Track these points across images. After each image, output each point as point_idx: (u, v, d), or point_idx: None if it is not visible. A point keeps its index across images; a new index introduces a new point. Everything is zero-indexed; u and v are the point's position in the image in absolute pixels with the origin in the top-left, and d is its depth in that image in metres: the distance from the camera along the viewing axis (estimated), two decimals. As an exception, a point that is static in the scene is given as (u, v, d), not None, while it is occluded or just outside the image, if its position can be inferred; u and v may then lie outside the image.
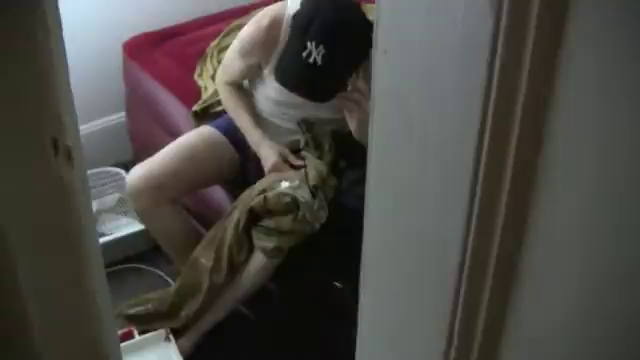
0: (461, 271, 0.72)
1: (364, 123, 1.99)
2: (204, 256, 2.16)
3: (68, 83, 0.65)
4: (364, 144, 2.05)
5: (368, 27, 1.87)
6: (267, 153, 2.15)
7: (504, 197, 0.65)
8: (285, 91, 2.03)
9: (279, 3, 2.14)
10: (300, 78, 1.94)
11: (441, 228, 0.75)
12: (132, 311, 2.29)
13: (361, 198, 2.00)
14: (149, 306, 2.28)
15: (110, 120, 3.19)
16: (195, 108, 2.55)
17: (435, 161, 0.73)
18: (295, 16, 1.97)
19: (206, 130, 2.34)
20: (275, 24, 2.07)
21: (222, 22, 3.00)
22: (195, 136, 2.32)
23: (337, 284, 2.01)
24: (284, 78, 1.98)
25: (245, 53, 2.16)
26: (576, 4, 0.56)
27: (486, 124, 0.63)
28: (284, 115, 2.21)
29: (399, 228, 0.85)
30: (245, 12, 2.92)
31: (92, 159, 3.08)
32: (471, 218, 0.68)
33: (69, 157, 0.64)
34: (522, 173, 0.64)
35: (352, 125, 2.03)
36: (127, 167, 3.05)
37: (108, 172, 3.08)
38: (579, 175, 0.62)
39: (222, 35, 2.90)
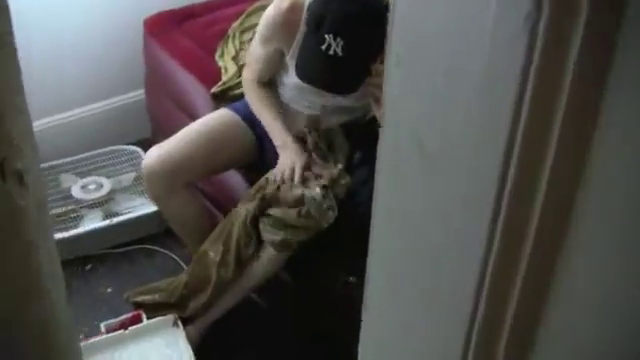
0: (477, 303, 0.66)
1: None
2: (212, 249, 2.13)
3: (23, 100, 0.58)
4: None
5: (385, 10, 1.84)
6: (293, 158, 2.08)
7: (530, 236, 0.59)
8: None
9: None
10: (322, 72, 1.88)
11: (456, 262, 0.69)
12: (139, 299, 2.25)
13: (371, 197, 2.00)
14: (156, 296, 2.24)
15: (130, 97, 3.16)
16: (214, 90, 2.50)
17: (453, 189, 0.67)
18: (308, 8, 1.91)
19: (225, 113, 2.29)
20: (295, 7, 2.00)
21: (245, 3, 2.94)
22: (213, 119, 2.27)
23: (351, 279, 1.96)
24: (306, 73, 1.91)
25: (265, 40, 2.09)
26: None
27: (513, 151, 0.57)
28: (306, 102, 2.15)
29: (405, 253, 0.79)
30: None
31: (110, 136, 3.07)
32: (488, 260, 0.62)
33: (21, 181, 0.57)
34: (552, 209, 0.58)
35: (378, 111, 1.96)
36: (145, 146, 3.03)
37: (125, 150, 3.05)
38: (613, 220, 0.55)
39: (245, 15, 2.85)
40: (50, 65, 2.93)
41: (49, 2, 2.85)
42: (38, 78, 2.84)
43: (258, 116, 2.19)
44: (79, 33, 2.96)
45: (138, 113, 3.05)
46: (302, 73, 1.92)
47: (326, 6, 1.84)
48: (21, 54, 0.70)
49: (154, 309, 2.23)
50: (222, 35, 2.81)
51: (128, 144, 3.08)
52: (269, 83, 2.23)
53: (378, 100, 1.92)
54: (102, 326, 2.23)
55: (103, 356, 2.13)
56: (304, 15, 1.98)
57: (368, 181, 2.04)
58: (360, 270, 1.91)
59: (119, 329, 2.20)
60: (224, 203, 2.48)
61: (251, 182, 2.30)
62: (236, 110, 2.29)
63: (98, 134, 3.10)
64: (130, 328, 2.19)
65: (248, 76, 2.23)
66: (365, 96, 1.99)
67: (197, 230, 2.29)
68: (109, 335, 2.19)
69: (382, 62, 1.93)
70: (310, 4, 1.92)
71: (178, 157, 2.16)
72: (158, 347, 2.15)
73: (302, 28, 1.97)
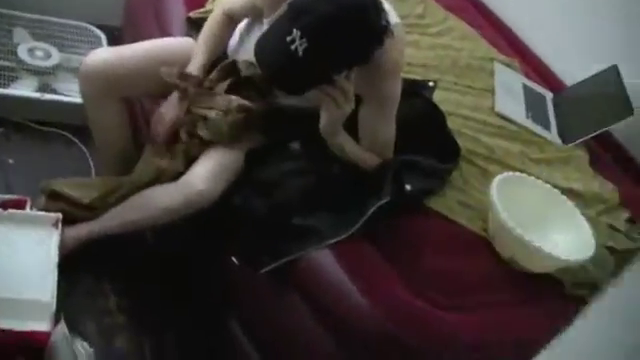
0: None
1: (334, 123, 1.86)
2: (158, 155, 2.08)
3: None
4: (328, 143, 1.92)
5: (369, 31, 1.73)
6: (167, 110, 2.06)
7: None
8: None
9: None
10: (276, 62, 1.72)
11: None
12: (58, 188, 2.13)
13: (294, 193, 1.92)
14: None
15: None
16: (191, 14, 2.39)
17: None
18: None
19: (189, 42, 2.18)
20: None
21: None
22: (176, 44, 2.17)
23: (234, 259, 1.89)
24: (261, 53, 1.76)
25: None
26: None
27: None
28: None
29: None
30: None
31: (82, 11, 2.94)
32: None
33: None
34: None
35: (322, 121, 1.86)
36: (110, 34, 2.92)
37: (89, 30, 2.93)
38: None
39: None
40: None
41: None
42: None
43: (199, 38, 2.12)
44: None
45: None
46: (258, 50, 1.77)
47: (314, 3, 1.67)
48: None
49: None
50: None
51: (96, 25, 2.95)
52: (235, 22, 2.14)
53: (326, 108, 1.83)
54: (-16, 198, 2.14)
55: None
56: None
57: (299, 175, 1.97)
58: (248, 253, 1.89)
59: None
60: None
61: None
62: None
63: (70, 3, 2.97)
64: (9, 210, 2.10)
65: (225, 4, 2.13)
66: (314, 100, 1.90)
67: (112, 144, 2.21)
68: (-16, 209, 2.09)
69: (347, 76, 1.87)
70: None
71: (123, 68, 2.05)
72: (28, 240, 2.05)
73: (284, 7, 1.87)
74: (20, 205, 2.14)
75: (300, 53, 1.65)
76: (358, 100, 1.89)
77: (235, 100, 2.02)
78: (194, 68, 2.06)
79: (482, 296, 1.90)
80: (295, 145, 2.04)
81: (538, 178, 2.21)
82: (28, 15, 2.86)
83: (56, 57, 2.72)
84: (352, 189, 1.95)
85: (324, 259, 1.80)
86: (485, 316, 1.84)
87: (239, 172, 2.00)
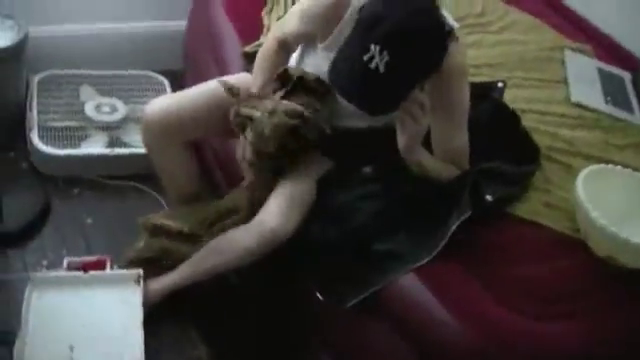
0: None
1: (414, 140, 1.78)
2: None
3: None
4: (409, 164, 1.84)
5: (443, 36, 1.67)
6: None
7: None
8: None
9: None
10: (356, 84, 1.64)
11: None
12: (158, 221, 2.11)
13: (370, 218, 1.86)
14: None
15: (172, 25, 3.02)
16: (247, 49, 2.36)
17: None
18: (362, 9, 1.70)
19: (247, 77, 2.15)
20: (341, 2, 1.84)
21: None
22: (233, 81, 2.12)
23: (318, 295, 1.84)
24: (338, 80, 1.70)
25: (305, 18, 1.93)
26: None
27: None
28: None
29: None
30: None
31: (143, 60, 2.97)
32: None
33: None
34: None
35: (401, 140, 1.78)
36: (172, 78, 2.93)
37: (152, 78, 2.95)
38: None
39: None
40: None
41: None
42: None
43: (254, 68, 2.06)
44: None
45: (176, 43, 2.93)
46: (334, 77, 1.71)
47: (386, 10, 1.62)
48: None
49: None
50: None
51: (158, 72, 2.96)
52: (288, 49, 2.07)
53: (404, 126, 1.76)
54: (65, 261, 2.15)
55: (54, 292, 2.04)
56: (348, 13, 1.82)
57: (373, 200, 1.91)
58: (331, 287, 1.83)
59: (80, 269, 2.11)
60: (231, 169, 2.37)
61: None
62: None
63: (131, 54, 3.00)
64: (90, 272, 2.10)
65: (276, 32, 2.06)
66: (382, 119, 1.83)
67: (181, 189, 2.20)
68: (67, 273, 2.10)
69: (422, 89, 1.81)
70: (366, 5, 1.70)
71: (182, 114, 2.03)
72: (112, 300, 2.05)
73: (343, 26, 1.82)
74: (101, 265, 2.14)
75: (382, 69, 1.58)
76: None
77: (285, 104, 1.92)
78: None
79: (581, 301, 1.79)
80: (367, 169, 1.98)
81: (625, 165, 2.09)
82: (92, 72, 2.90)
83: (122, 110, 2.74)
84: (431, 207, 1.87)
85: (410, 284, 1.73)
86: (587, 322, 1.74)
87: (312, 203, 1.95)
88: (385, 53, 1.57)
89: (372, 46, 1.58)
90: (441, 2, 1.72)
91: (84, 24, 2.94)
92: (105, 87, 2.87)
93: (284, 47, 2.03)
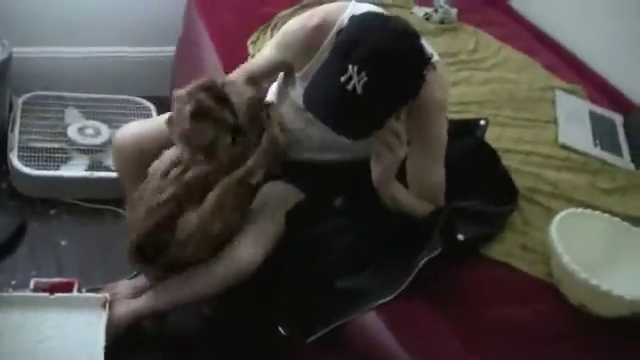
0: None
1: (389, 170, 1.74)
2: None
3: None
4: (382, 197, 1.80)
5: (421, 61, 1.62)
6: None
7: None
8: None
9: (337, 4, 1.87)
10: (333, 106, 1.60)
11: None
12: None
13: (337, 253, 1.81)
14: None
15: (161, 51, 3.01)
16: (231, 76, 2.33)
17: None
18: (339, 33, 1.66)
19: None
20: (323, 28, 1.81)
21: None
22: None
23: (281, 329, 1.79)
24: (313, 103, 1.65)
25: (282, 47, 1.90)
26: None
27: None
28: (305, 128, 1.96)
29: None
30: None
31: (130, 85, 2.95)
32: None
33: None
34: None
35: (376, 171, 1.74)
36: (159, 105, 2.90)
37: (138, 103, 2.93)
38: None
39: (297, 7, 2.68)
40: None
41: None
42: (73, 6, 2.75)
43: None
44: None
45: (165, 69, 2.91)
46: (309, 100, 1.66)
47: (365, 33, 1.58)
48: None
49: None
50: (268, 19, 2.65)
51: (145, 98, 2.95)
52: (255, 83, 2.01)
53: (379, 157, 1.72)
54: (32, 282, 2.11)
55: (18, 313, 2.00)
56: (328, 39, 1.79)
57: (343, 233, 1.87)
58: (294, 321, 1.78)
59: (47, 291, 2.08)
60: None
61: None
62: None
63: (119, 79, 2.98)
64: (57, 294, 2.06)
65: (244, 66, 2.02)
66: (355, 151, 1.79)
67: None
68: (32, 295, 2.06)
69: (397, 118, 1.77)
70: (344, 28, 1.66)
71: (155, 141, 2.00)
72: (76, 323, 2.01)
73: (324, 51, 1.78)
74: (68, 288, 2.11)
75: (359, 90, 1.54)
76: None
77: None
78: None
79: (551, 347, 1.73)
80: (338, 201, 1.93)
81: (608, 210, 2.04)
82: (78, 95, 2.89)
83: (105, 134, 2.72)
84: (401, 243, 1.82)
85: (371, 322, 1.68)
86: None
87: (280, 235, 1.90)
88: (363, 74, 1.53)
89: (350, 67, 1.54)
90: (424, 32, 1.69)
91: (72, 47, 2.94)
92: (90, 110, 2.85)
93: (251, 82, 1.99)
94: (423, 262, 1.72)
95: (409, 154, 1.81)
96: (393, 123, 1.67)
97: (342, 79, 1.55)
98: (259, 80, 2.01)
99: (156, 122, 2.06)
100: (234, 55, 2.45)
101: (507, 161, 2.16)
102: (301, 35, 1.84)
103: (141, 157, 2.00)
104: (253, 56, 2.45)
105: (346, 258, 1.81)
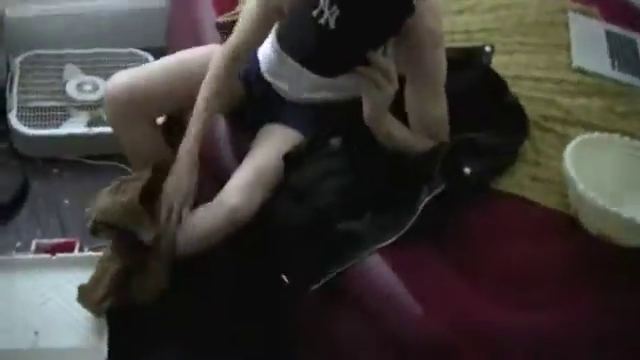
0: None
1: (379, 107, 1.64)
2: None
3: None
4: (376, 135, 1.71)
5: None
6: (175, 185, 1.87)
7: None
8: None
9: None
10: (305, 43, 1.51)
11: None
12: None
13: (335, 196, 1.72)
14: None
15: (154, 1, 2.92)
16: (220, 19, 2.23)
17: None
18: None
19: (212, 51, 2.01)
20: None
21: None
22: (200, 55, 2.00)
23: (284, 278, 1.72)
24: (287, 42, 1.57)
25: None
26: None
27: None
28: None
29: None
30: None
31: (128, 37, 2.87)
32: None
33: None
34: None
35: (366, 110, 1.65)
36: (160, 54, 2.81)
37: (136, 55, 2.86)
38: None
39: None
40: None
41: None
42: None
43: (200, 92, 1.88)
44: None
45: (161, 19, 2.83)
46: (283, 40, 1.59)
47: None
48: None
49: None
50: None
51: (144, 49, 2.86)
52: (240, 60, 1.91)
53: (367, 94, 1.62)
54: (33, 243, 2.08)
55: (20, 275, 1.97)
56: None
57: (335, 176, 1.78)
58: (296, 270, 1.71)
59: (48, 252, 2.03)
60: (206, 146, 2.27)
61: (232, 127, 2.07)
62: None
63: (117, 31, 2.90)
64: (58, 255, 2.02)
65: (223, 47, 1.89)
66: (351, 89, 1.70)
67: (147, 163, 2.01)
68: (34, 256, 2.03)
69: (384, 53, 1.67)
70: None
71: (148, 90, 1.92)
72: (77, 284, 1.97)
73: None
74: (69, 247, 2.07)
75: (332, 25, 1.45)
76: (402, 81, 1.68)
77: None
78: (186, 144, 1.88)
79: (572, 285, 1.64)
80: (334, 141, 1.84)
81: (625, 134, 1.93)
82: (75, 51, 2.82)
83: (103, 88, 2.64)
84: (401, 183, 1.74)
85: (373, 265, 1.61)
86: (568, 312, 1.58)
87: (278, 180, 1.82)
88: (335, 7, 1.44)
89: (321, 1, 1.45)
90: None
91: (66, 2, 2.85)
92: (88, 66, 2.78)
93: (236, 59, 1.88)
94: (426, 201, 1.64)
95: (407, 90, 1.72)
96: (378, 58, 1.57)
97: (314, 14, 1.46)
98: (243, 56, 1.90)
99: (146, 70, 1.98)
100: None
101: (516, 88, 2.05)
102: None
103: (134, 108, 1.93)
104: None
105: (343, 202, 1.73)
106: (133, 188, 1.89)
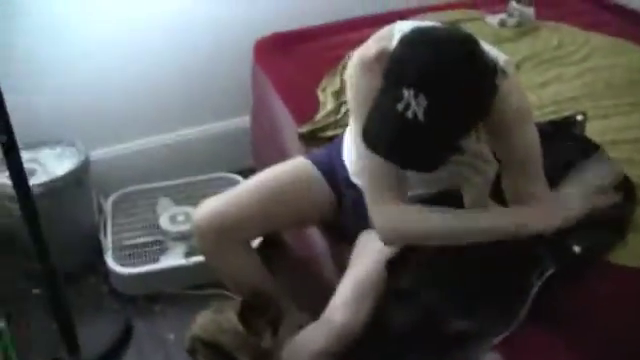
0: None
1: (481, 193, 1.54)
2: None
3: None
4: None
5: (485, 67, 1.39)
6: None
7: None
8: None
9: (385, 28, 1.70)
10: (394, 140, 1.40)
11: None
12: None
13: (442, 295, 1.61)
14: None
15: (239, 122, 2.94)
16: (302, 130, 2.21)
17: None
18: (391, 57, 1.45)
19: (301, 165, 1.98)
20: (383, 56, 1.54)
21: (372, 27, 2.61)
22: (285, 172, 1.96)
23: None
24: (373, 140, 1.45)
25: (358, 107, 1.63)
26: None
27: None
28: None
29: None
30: (396, 18, 2.52)
31: (212, 162, 2.89)
32: None
33: None
34: None
35: (467, 198, 1.56)
36: (247, 175, 2.81)
37: (226, 179, 2.86)
38: None
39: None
40: (158, 86, 2.79)
41: (163, 19, 2.71)
42: (153, 98, 2.72)
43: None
44: (187, 53, 2.80)
45: (243, 139, 2.84)
46: (368, 137, 1.46)
47: (412, 50, 1.39)
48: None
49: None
50: (338, 62, 2.52)
51: (235, 172, 2.87)
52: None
53: (467, 182, 1.53)
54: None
55: None
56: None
57: (440, 268, 1.68)
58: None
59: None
60: (304, 258, 2.22)
61: (330, 240, 2.03)
62: (314, 160, 1.97)
63: (207, 159, 2.93)
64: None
65: (385, 205, 1.66)
66: (445, 181, 1.62)
67: (250, 288, 1.99)
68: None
69: (478, 138, 1.58)
70: (393, 51, 1.47)
71: (232, 216, 1.88)
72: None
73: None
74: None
75: (420, 117, 1.35)
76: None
77: None
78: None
79: None
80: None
81: None
82: (165, 183, 2.84)
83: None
84: (507, 268, 1.62)
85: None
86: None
87: (382, 286, 1.73)
88: (421, 97, 1.35)
89: (405, 92, 1.36)
90: (501, 40, 1.50)
91: (147, 137, 2.90)
92: (179, 196, 2.80)
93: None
94: (537, 286, 1.52)
95: (504, 178, 1.62)
96: (473, 145, 1.49)
97: (399, 107, 1.37)
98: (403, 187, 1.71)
99: (233, 194, 1.94)
100: (306, 106, 2.34)
101: (614, 153, 1.93)
102: (364, 69, 1.63)
103: (226, 233, 1.89)
104: (324, 105, 2.33)
105: (452, 296, 1.62)
106: (233, 305, 1.89)
